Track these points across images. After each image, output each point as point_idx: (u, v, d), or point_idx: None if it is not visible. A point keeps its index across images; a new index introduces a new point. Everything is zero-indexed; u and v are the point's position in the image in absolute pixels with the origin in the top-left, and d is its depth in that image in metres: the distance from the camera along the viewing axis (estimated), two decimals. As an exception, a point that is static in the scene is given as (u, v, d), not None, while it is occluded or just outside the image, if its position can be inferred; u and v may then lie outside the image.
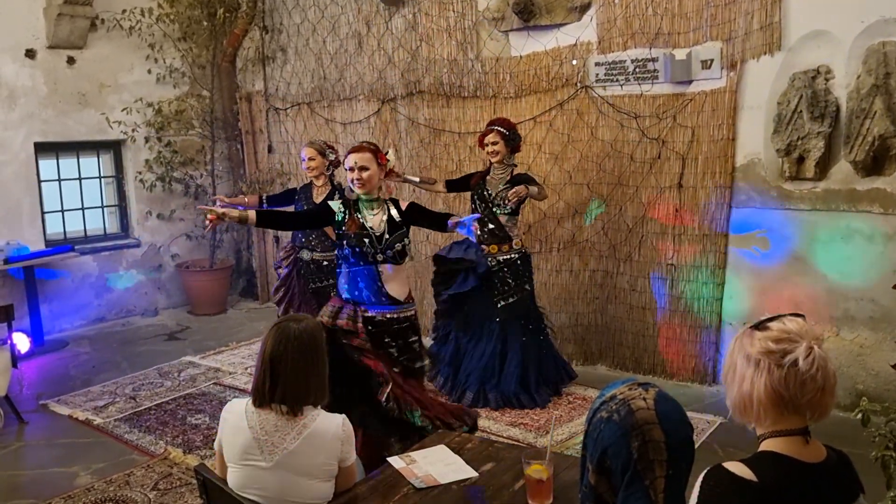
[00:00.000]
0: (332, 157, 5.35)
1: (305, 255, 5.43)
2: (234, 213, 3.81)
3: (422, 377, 4.05)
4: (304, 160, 5.32)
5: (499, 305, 5.18)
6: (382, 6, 6.82)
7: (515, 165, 5.29)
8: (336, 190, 5.32)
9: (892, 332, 4.66)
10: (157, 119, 7.84)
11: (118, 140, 7.76)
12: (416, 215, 3.92)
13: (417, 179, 5.61)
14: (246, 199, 5.68)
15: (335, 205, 3.87)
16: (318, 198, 5.30)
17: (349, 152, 3.82)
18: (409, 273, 6.71)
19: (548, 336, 5.41)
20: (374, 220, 3.80)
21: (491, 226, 5.18)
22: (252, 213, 3.84)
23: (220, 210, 3.79)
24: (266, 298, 8.18)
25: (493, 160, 5.20)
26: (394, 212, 3.84)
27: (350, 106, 7.31)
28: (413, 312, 3.93)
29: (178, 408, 5.30)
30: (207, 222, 3.74)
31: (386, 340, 3.82)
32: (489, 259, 5.16)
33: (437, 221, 3.95)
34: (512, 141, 5.17)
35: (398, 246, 3.77)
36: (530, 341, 5.23)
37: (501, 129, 5.15)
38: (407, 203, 3.93)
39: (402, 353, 3.85)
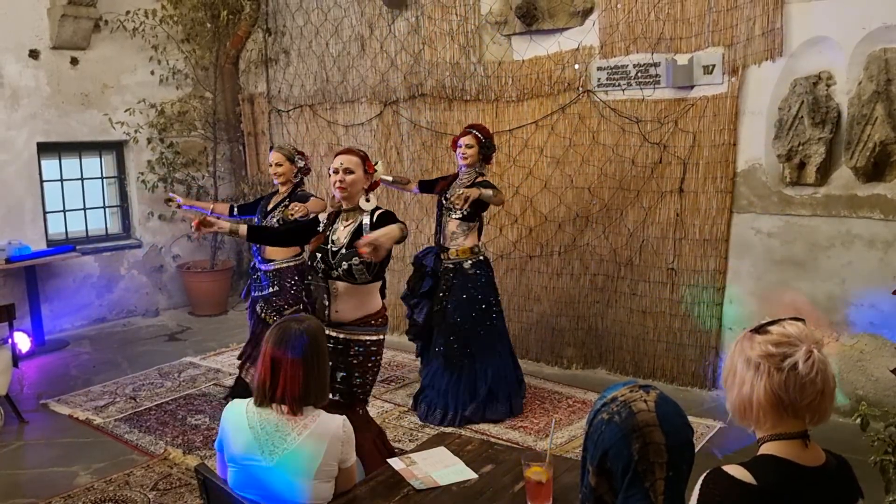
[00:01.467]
0: (300, 163, 5.03)
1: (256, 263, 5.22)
2: (225, 225, 3.73)
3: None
4: (270, 165, 5.00)
5: (434, 309, 5.02)
6: (385, 9, 6.84)
7: (483, 174, 5.01)
8: (293, 194, 4.95)
9: (892, 337, 4.67)
10: (159, 120, 7.87)
11: (121, 141, 7.78)
12: (387, 223, 3.48)
13: (391, 179, 5.24)
14: (212, 206, 5.33)
15: (323, 217, 3.69)
16: (272, 204, 5.01)
17: (336, 154, 3.57)
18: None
19: (468, 357, 4.96)
20: (343, 232, 3.51)
21: (438, 232, 5.07)
22: (243, 227, 3.78)
23: (212, 219, 3.71)
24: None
25: (463, 164, 4.99)
26: (366, 224, 3.47)
27: (352, 108, 7.32)
28: (364, 339, 3.51)
29: (178, 408, 5.31)
30: (193, 228, 3.68)
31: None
32: (443, 263, 5.03)
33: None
34: (486, 149, 4.98)
35: (355, 260, 3.37)
36: (455, 352, 4.96)
37: (478, 134, 4.98)
38: (379, 213, 3.54)
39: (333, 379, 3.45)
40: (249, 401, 2.53)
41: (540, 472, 2.35)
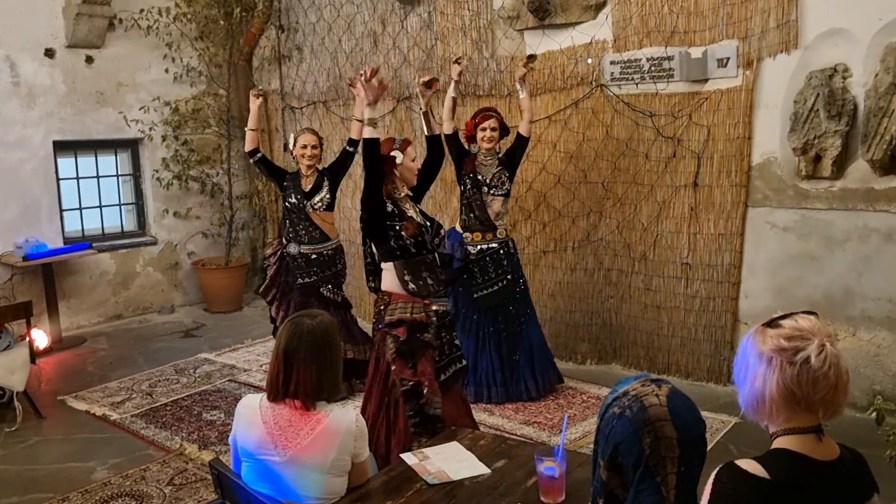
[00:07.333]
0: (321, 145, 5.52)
1: (293, 248, 5.36)
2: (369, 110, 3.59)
3: (457, 380, 3.89)
4: (304, 147, 5.29)
5: (475, 296, 5.13)
6: (398, 5, 6.84)
7: (499, 153, 5.24)
8: (324, 175, 5.36)
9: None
10: (173, 118, 7.90)
11: (135, 138, 7.82)
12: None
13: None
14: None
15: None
16: (307, 186, 5.33)
17: (398, 146, 3.73)
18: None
19: (530, 331, 5.25)
20: (415, 212, 3.79)
21: (477, 212, 5.15)
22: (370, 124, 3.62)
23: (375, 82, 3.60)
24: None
25: (486, 146, 5.11)
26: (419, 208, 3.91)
27: (365, 104, 7.32)
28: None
29: (193, 404, 5.34)
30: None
31: (442, 335, 3.74)
32: (472, 247, 5.15)
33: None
34: (504, 130, 5.22)
35: (442, 232, 3.86)
36: (508, 332, 5.16)
37: (500, 117, 5.19)
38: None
39: (449, 349, 3.79)
40: (263, 396, 2.54)
41: (553, 466, 2.35)
